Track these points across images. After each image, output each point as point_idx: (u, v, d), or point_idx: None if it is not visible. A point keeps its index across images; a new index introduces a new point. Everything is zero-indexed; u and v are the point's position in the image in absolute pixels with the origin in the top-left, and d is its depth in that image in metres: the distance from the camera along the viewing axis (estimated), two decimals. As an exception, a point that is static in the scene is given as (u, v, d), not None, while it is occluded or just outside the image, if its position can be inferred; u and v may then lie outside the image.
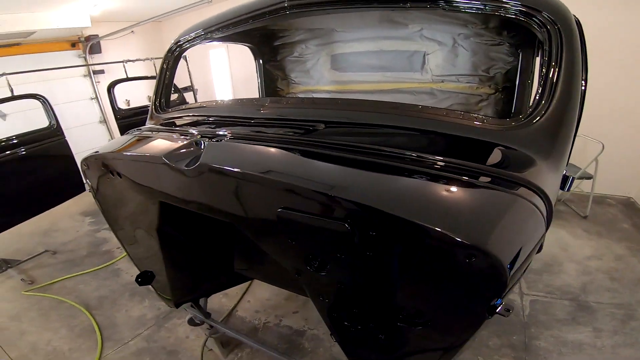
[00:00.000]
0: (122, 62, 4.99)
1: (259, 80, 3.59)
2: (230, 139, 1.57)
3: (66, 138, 4.43)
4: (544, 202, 1.02)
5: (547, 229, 1.05)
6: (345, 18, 2.77)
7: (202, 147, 1.53)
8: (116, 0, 5.09)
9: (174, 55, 2.54)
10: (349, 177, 1.16)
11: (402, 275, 1.06)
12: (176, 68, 2.63)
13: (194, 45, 2.48)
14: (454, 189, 1.00)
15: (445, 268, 0.94)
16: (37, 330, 2.94)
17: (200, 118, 2.20)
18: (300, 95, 3.62)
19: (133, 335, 2.82)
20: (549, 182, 1.12)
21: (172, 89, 5.19)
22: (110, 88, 4.83)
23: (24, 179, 4.03)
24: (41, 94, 4.29)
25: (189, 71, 5.55)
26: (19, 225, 4.07)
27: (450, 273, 0.94)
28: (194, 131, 1.83)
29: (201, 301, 2.62)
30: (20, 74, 4.55)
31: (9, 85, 4.03)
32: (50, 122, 4.31)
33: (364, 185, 1.11)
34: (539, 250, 1.07)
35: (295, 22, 2.95)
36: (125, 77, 4.93)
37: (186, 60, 5.41)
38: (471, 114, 1.32)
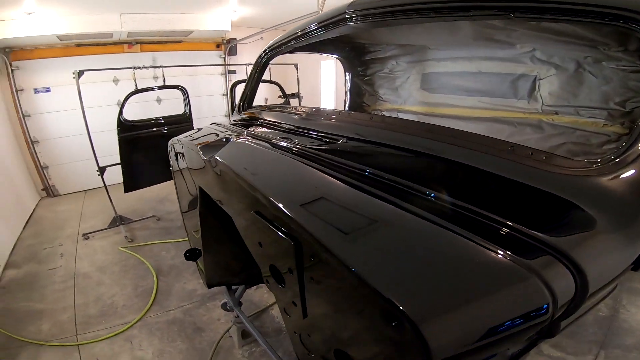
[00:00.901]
0: (245, 64, 5.66)
1: (346, 93, 3.53)
2: (250, 140, 1.69)
3: (193, 125, 5.28)
4: (575, 279, 0.74)
5: (569, 312, 0.78)
6: (438, 34, 2.46)
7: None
8: (250, 7, 5.82)
9: (261, 63, 2.75)
10: (315, 197, 1.05)
11: (339, 313, 0.93)
12: (263, 74, 2.85)
13: (278, 54, 2.66)
14: (429, 238, 0.80)
15: (370, 321, 0.78)
16: (111, 284, 3.49)
17: (259, 121, 2.41)
18: (385, 114, 3.41)
19: (177, 305, 3.08)
20: (605, 257, 0.84)
21: (281, 94, 5.64)
22: (233, 87, 5.54)
23: (159, 152, 4.95)
24: (184, 86, 5.22)
25: (297, 79, 5.91)
26: (145, 189, 5.01)
27: (373, 328, 0.78)
28: (241, 131, 2.03)
29: (239, 289, 2.69)
30: (176, 67, 5.63)
31: (163, 76, 5.02)
32: (185, 110, 5.20)
33: (322, 209, 0.99)
34: (548, 336, 0.78)
35: (386, 36, 2.79)
36: (245, 78, 5.56)
37: (297, 69, 5.78)
38: (526, 148, 1.00)
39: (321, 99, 7.46)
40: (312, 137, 1.66)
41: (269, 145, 1.56)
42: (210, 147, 1.78)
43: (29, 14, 4.72)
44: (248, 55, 6.99)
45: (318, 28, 1.97)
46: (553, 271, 0.72)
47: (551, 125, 2.24)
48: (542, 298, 0.68)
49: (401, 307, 0.62)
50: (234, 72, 7.44)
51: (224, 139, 1.82)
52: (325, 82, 7.25)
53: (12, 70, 5.69)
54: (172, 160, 2.65)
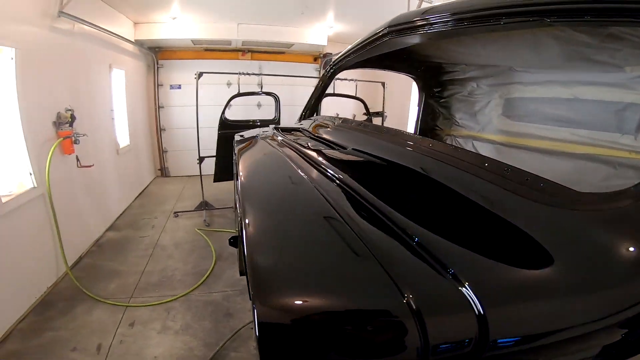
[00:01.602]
0: (336, 79, 5.85)
1: (418, 115, 3.31)
2: (269, 141, 1.86)
3: (280, 131, 5.73)
4: (478, 329, 0.57)
5: None
6: (522, 53, 2.12)
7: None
8: (345, 24, 6.07)
9: (326, 77, 2.83)
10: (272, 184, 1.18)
11: None
12: (327, 88, 2.95)
13: (343, 69, 2.72)
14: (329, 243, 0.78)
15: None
16: (179, 259, 3.94)
17: (300, 128, 2.58)
18: (459, 140, 3.08)
19: (221, 290, 3.31)
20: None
21: (365, 112, 5.66)
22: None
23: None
24: (284, 94, 5.71)
25: (383, 97, 5.82)
26: (232, 182, 5.59)
27: None
28: (275, 133, 2.18)
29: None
30: (277, 76, 6.19)
31: (261, 83, 5.59)
32: (275, 116, 5.67)
33: (267, 195, 1.10)
34: None
35: (465, 55, 2.53)
36: (332, 92, 5.75)
37: (384, 87, 5.70)
38: (524, 173, 0.85)
39: (408, 120, 7.17)
40: (320, 142, 1.75)
41: (276, 146, 1.68)
42: (242, 141, 2.00)
43: (174, 18, 5.83)
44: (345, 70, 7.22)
45: (367, 43, 1.97)
46: (448, 311, 0.60)
47: (664, 171, 1.70)
48: (406, 338, 0.55)
49: (251, 295, 0.63)
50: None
51: (254, 137, 1.97)
52: (415, 103, 6.96)
53: (158, 68, 7.10)
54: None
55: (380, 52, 2.03)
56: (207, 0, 5.05)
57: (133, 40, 5.98)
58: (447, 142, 3.18)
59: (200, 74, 5.14)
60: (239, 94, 5.33)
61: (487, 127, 2.82)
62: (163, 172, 7.62)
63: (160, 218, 5.20)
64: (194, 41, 6.54)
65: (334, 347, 0.56)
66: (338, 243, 0.75)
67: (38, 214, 3.36)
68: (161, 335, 2.57)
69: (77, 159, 4.07)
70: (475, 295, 0.57)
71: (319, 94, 2.95)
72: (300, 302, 0.62)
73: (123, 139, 5.86)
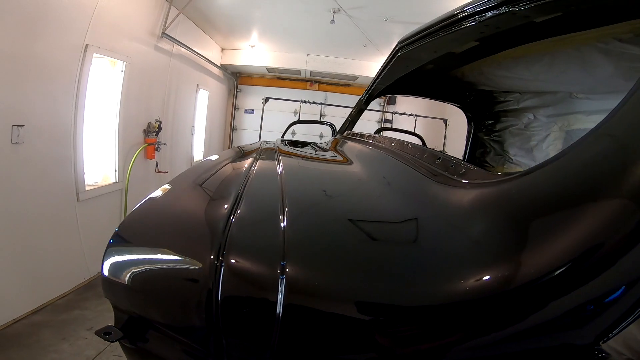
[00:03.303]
0: (392, 113, 5.81)
1: (465, 149, 3.04)
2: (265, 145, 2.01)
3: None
4: None
5: None
6: (576, 75, 1.84)
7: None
8: None
9: (362, 102, 2.86)
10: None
11: None
12: (362, 112, 3.00)
13: (379, 95, 2.72)
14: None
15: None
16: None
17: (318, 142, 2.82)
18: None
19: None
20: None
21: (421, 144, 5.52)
22: (376, 133, 5.79)
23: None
24: (337, 125, 5.88)
25: (445, 135, 5.53)
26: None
27: None
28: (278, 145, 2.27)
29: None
30: (339, 108, 6.42)
31: (320, 113, 5.85)
32: (332, 143, 5.83)
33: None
34: None
35: (514, 80, 2.28)
36: (390, 127, 5.71)
37: (446, 124, 5.43)
38: (452, 159, 0.89)
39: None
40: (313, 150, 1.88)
41: (266, 149, 1.76)
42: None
43: (253, 46, 6.56)
44: (407, 105, 7.11)
45: (386, 63, 1.96)
46: None
47: None
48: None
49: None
50: (390, 120, 7.71)
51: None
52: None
53: (237, 92, 7.96)
54: None
55: (399, 72, 1.98)
56: (280, 31, 5.61)
57: (219, 65, 6.83)
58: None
59: (266, 99, 5.61)
60: (299, 121, 5.60)
61: (543, 165, 2.46)
62: (227, 187, 8.27)
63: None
64: (268, 69, 7.23)
65: (151, 290, 0.66)
66: (204, 210, 0.80)
67: (112, 205, 3.87)
68: (169, 330, 2.65)
69: (157, 165, 4.64)
70: (286, 284, 0.53)
71: (354, 117, 2.97)
72: (137, 250, 0.76)
73: (197, 154, 6.57)
